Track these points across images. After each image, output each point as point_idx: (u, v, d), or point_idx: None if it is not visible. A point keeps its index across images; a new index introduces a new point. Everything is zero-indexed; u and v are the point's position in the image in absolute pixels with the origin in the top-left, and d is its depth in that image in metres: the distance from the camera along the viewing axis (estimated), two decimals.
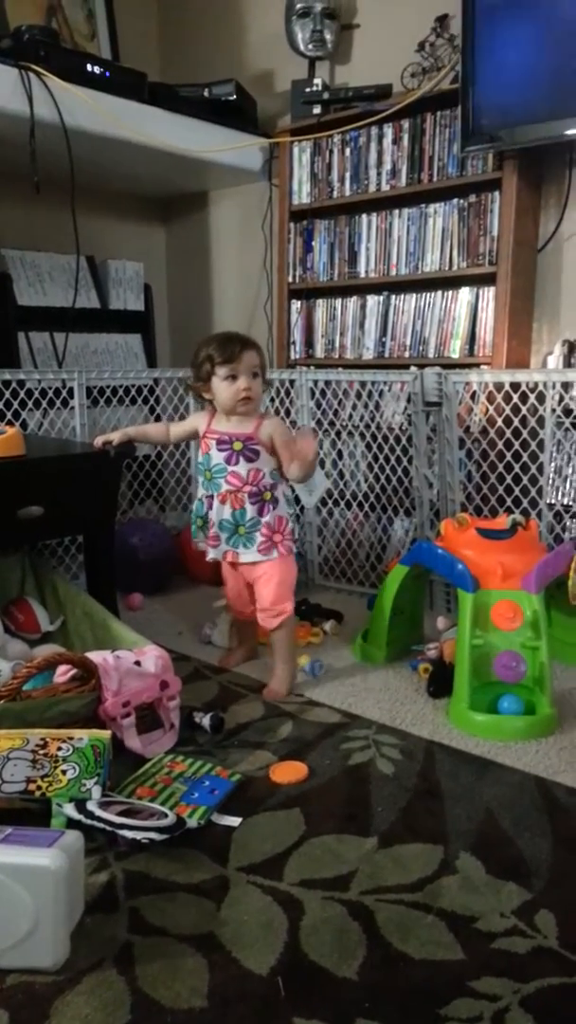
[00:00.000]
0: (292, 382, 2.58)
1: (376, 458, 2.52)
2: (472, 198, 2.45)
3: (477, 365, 2.43)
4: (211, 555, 1.90)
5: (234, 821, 1.35)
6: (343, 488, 2.63)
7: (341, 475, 2.65)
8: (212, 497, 1.86)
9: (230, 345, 1.80)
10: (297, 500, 2.54)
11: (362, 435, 2.57)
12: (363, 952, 1.05)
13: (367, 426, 2.53)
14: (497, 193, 2.38)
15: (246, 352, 1.80)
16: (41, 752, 1.32)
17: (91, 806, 1.26)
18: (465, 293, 2.50)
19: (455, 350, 2.52)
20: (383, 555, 2.58)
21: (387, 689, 1.89)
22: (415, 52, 2.59)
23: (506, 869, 1.22)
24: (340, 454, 2.66)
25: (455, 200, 2.49)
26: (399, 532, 2.55)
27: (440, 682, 1.82)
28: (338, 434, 2.62)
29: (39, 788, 1.29)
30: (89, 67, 2.51)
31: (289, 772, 1.50)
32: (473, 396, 2.27)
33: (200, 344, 1.86)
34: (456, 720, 1.70)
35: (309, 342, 2.91)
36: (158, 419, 2.87)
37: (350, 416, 2.59)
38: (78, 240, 2.62)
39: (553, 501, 2.21)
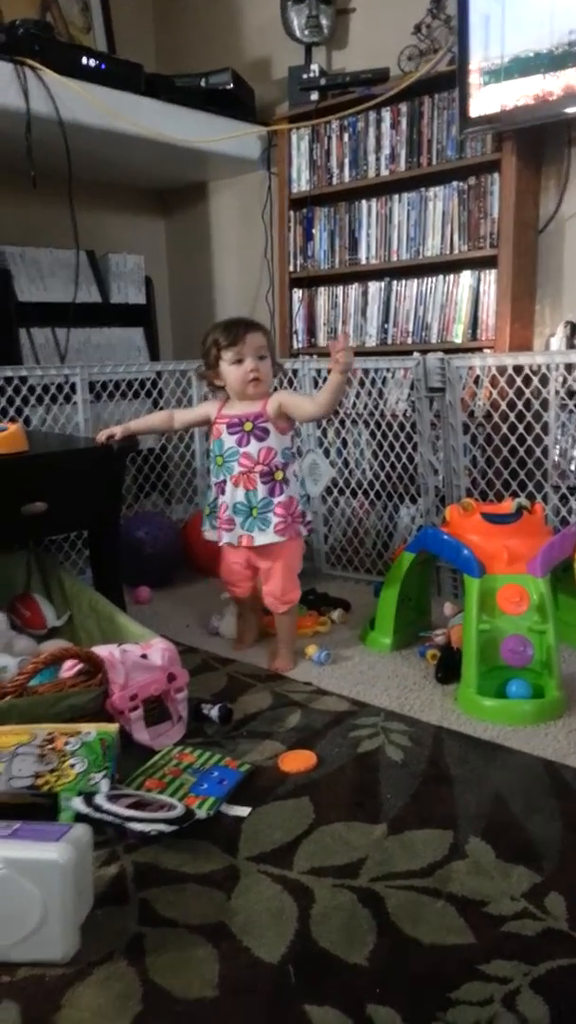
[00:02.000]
0: (295, 371, 2.57)
1: (380, 445, 2.51)
2: (472, 181, 2.43)
3: (480, 349, 2.42)
4: (225, 539, 1.91)
5: (243, 811, 1.35)
6: (348, 476, 2.62)
7: (346, 463, 2.64)
8: (224, 482, 1.88)
9: (234, 328, 1.83)
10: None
11: (366, 423, 2.56)
12: (373, 938, 1.05)
13: (371, 414, 2.51)
14: (497, 175, 2.36)
15: (250, 334, 1.82)
16: (49, 747, 1.33)
17: (99, 799, 1.26)
18: (467, 277, 2.48)
19: (458, 334, 2.51)
20: (389, 543, 2.58)
21: (395, 676, 1.88)
22: (411, 34, 2.57)
23: (516, 853, 1.22)
24: (345, 442, 2.64)
25: (455, 183, 2.47)
26: (405, 519, 2.54)
27: (448, 668, 1.82)
28: (342, 422, 2.61)
29: (47, 783, 1.29)
30: (84, 60, 2.50)
31: (298, 761, 1.49)
32: (476, 380, 2.25)
33: (207, 332, 1.88)
34: (464, 705, 1.69)
35: (311, 330, 2.90)
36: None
37: (354, 404, 2.58)
38: (77, 234, 2.62)
39: (558, 483, 2.19)
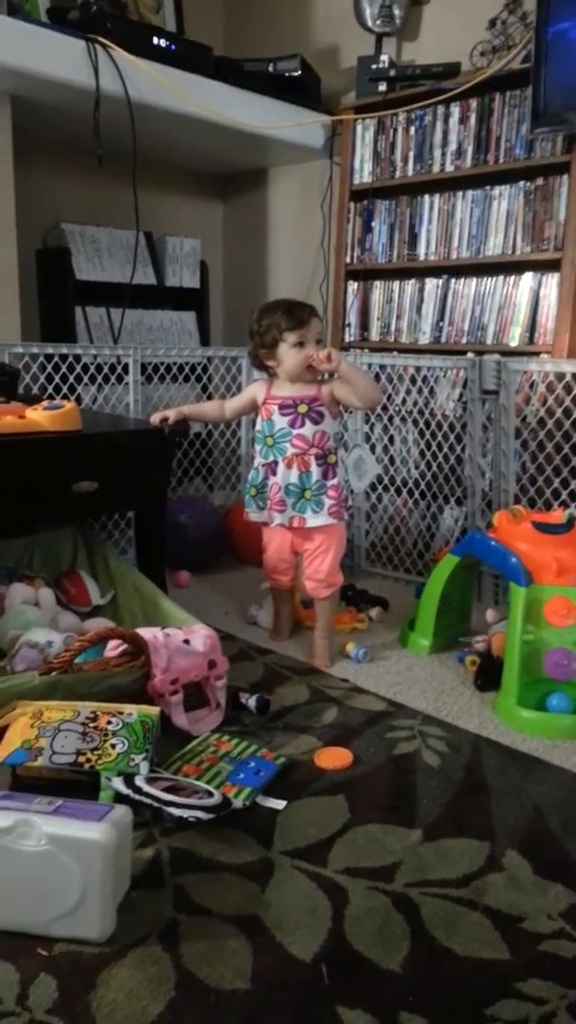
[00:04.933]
0: None
1: (428, 445, 2.49)
2: (539, 181, 2.38)
3: (537, 354, 2.38)
4: (277, 520, 1.91)
5: (279, 804, 1.35)
6: (393, 474, 2.60)
7: (392, 461, 2.62)
8: (275, 463, 1.88)
9: (298, 312, 1.83)
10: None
11: (415, 421, 2.53)
12: (407, 945, 1.05)
13: (420, 412, 2.49)
14: (566, 176, 2.31)
15: (313, 319, 1.84)
16: (91, 725, 1.34)
17: (139, 781, 1.27)
18: (527, 279, 2.44)
19: (514, 337, 2.47)
20: (431, 543, 2.56)
21: (433, 680, 1.87)
22: (486, 30, 2.52)
23: (554, 870, 1.20)
24: (392, 440, 2.63)
25: (521, 183, 2.43)
26: (448, 521, 2.52)
27: (488, 676, 1.80)
28: (391, 419, 2.59)
29: (88, 760, 1.31)
30: (155, 40, 2.48)
31: (334, 758, 1.49)
32: (532, 385, 2.22)
33: (261, 311, 1.87)
34: (503, 715, 1.68)
35: (364, 324, 2.87)
36: (210, 397, 2.86)
37: (403, 401, 2.56)
38: (138, 215, 2.61)
39: None
